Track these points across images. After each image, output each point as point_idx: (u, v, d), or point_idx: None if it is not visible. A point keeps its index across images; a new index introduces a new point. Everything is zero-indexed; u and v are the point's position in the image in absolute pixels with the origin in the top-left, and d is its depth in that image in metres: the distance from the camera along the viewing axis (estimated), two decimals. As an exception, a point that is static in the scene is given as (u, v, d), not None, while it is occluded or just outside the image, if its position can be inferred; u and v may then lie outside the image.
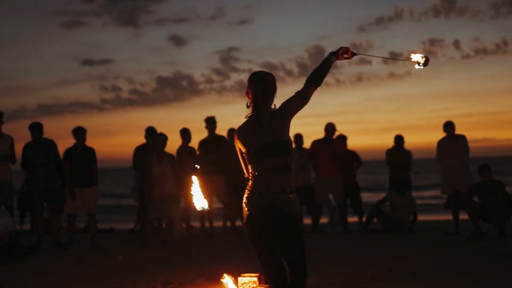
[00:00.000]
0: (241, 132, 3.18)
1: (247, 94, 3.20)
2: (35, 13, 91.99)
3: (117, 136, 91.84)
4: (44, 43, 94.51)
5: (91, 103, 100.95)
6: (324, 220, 11.28)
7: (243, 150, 3.17)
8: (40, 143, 7.82)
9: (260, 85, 3.15)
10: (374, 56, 3.44)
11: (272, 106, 3.19)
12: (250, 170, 3.16)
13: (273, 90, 3.20)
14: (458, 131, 8.66)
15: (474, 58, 78.61)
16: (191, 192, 3.27)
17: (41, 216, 7.93)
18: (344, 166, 9.29)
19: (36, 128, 7.80)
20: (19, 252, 6.67)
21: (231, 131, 8.51)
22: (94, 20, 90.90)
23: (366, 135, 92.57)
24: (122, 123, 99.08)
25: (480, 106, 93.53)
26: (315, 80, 3.15)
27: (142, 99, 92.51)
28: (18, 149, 7.91)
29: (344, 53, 3.26)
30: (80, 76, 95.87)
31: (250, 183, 3.15)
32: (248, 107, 3.21)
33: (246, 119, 3.21)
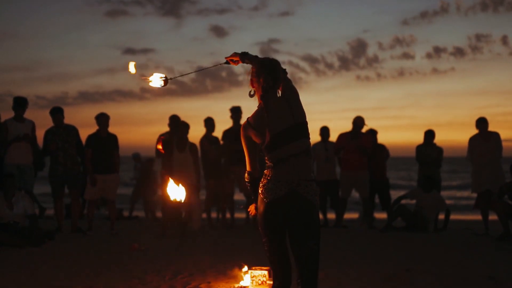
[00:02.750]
0: (257, 121, 3.02)
1: (254, 83, 3.08)
2: (80, 1, 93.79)
3: (156, 125, 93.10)
4: (87, 32, 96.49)
5: (131, 92, 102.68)
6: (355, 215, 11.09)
7: (257, 141, 3.02)
8: (60, 128, 7.87)
9: (274, 74, 3.05)
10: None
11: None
12: (261, 160, 3.02)
13: (282, 77, 3.11)
14: (503, 129, 8.33)
15: (522, 55, 76.01)
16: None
17: (61, 201, 7.99)
18: (373, 161, 9.03)
19: (56, 112, 7.85)
20: (37, 236, 6.73)
21: None
22: (137, 10, 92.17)
23: (406, 131, 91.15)
24: (161, 112, 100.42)
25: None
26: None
27: (181, 89, 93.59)
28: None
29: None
30: (122, 65, 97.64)
31: (267, 171, 3.01)
32: (251, 95, 3.09)
33: (258, 108, 3.07)
